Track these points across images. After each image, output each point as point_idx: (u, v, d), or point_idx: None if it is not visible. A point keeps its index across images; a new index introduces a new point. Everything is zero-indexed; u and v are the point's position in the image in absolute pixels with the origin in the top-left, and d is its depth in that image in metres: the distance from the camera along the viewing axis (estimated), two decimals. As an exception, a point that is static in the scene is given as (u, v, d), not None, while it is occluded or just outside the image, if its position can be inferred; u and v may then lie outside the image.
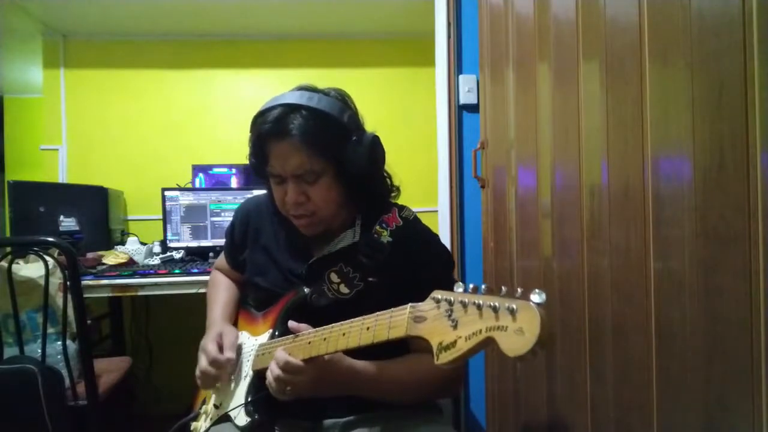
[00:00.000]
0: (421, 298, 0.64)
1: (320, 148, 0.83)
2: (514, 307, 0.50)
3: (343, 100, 0.91)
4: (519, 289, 0.52)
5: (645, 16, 0.70)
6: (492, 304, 0.52)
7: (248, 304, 1.05)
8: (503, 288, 0.54)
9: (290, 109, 0.84)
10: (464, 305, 0.55)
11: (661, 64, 0.67)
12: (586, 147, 0.87)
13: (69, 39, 2.61)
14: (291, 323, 0.81)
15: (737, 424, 0.55)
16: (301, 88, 0.89)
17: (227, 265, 1.12)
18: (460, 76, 1.63)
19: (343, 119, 0.86)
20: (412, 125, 2.60)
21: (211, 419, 0.92)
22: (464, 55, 1.65)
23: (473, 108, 1.63)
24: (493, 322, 0.51)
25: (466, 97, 1.62)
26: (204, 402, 0.99)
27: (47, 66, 2.61)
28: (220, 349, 0.92)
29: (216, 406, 0.93)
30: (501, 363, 1.37)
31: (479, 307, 0.53)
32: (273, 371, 0.77)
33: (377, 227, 0.92)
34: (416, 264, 0.90)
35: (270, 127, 0.84)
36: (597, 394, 0.85)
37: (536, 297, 0.49)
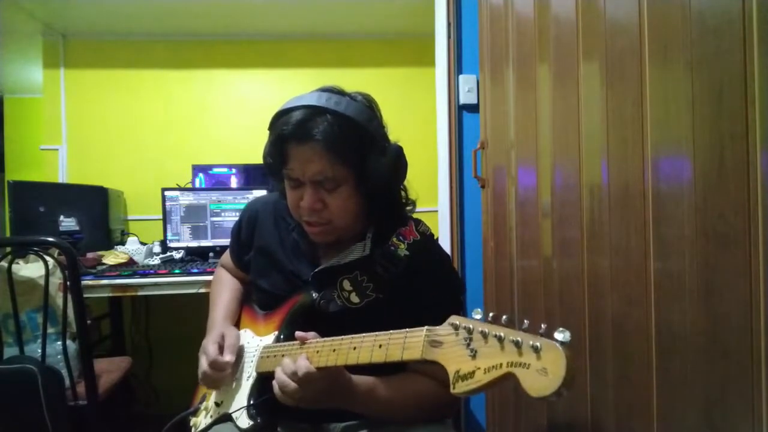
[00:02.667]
0: (431, 316, 0.63)
1: (344, 155, 0.80)
2: (539, 345, 0.48)
3: (370, 107, 0.86)
4: (543, 325, 0.50)
5: (645, 16, 0.70)
6: (514, 339, 0.50)
7: (253, 301, 1.04)
8: (525, 321, 0.52)
9: (315, 111, 0.79)
10: (484, 336, 0.54)
11: (661, 64, 0.67)
12: (586, 147, 0.87)
13: (69, 39, 2.61)
14: (298, 333, 0.79)
15: (737, 424, 0.55)
16: (326, 90, 0.85)
17: (232, 264, 1.11)
18: (460, 76, 1.63)
19: (369, 128, 0.82)
20: (411, 125, 2.60)
21: (211, 416, 0.92)
22: (464, 55, 1.65)
23: (473, 108, 1.63)
24: (515, 357, 0.50)
25: (466, 97, 1.62)
26: (204, 398, 0.99)
27: (47, 66, 2.62)
28: (221, 350, 0.91)
29: (217, 404, 0.93)
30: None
31: (500, 339, 0.52)
32: (286, 373, 0.75)
33: (394, 239, 0.90)
34: (431, 283, 0.88)
35: (293, 129, 0.79)
36: (597, 394, 0.85)
37: (560, 335, 0.47)
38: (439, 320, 0.62)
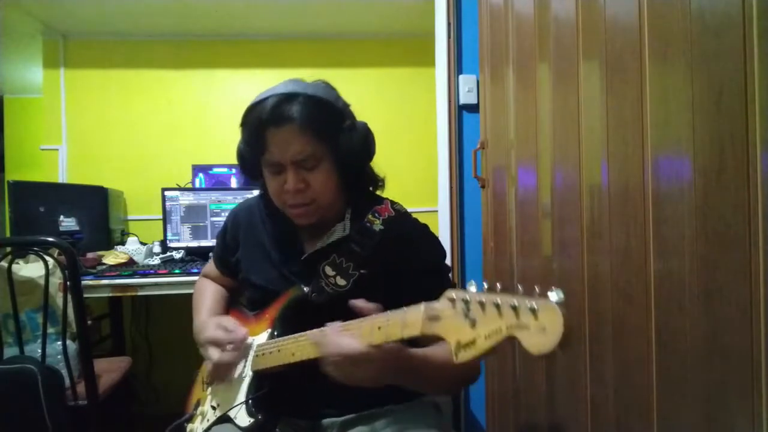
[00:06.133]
0: (418, 285, 0.64)
1: (320, 132, 0.84)
2: (535, 306, 0.49)
3: (333, 89, 0.92)
4: (536, 287, 0.52)
5: (645, 16, 0.70)
6: (512, 303, 0.52)
7: (240, 304, 1.04)
8: (519, 287, 0.53)
9: (287, 97, 0.84)
10: (482, 305, 0.55)
11: (661, 64, 0.67)
12: (586, 147, 0.87)
13: (69, 39, 2.61)
14: (358, 303, 0.75)
15: (737, 424, 0.55)
16: (289, 80, 0.91)
17: (216, 271, 1.11)
18: (460, 76, 1.63)
19: (338, 105, 0.88)
20: (412, 125, 2.60)
21: (208, 420, 0.91)
22: (464, 55, 1.65)
23: (473, 108, 1.63)
24: (513, 320, 0.51)
25: (466, 97, 1.62)
26: (198, 404, 0.99)
27: (47, 66, 2.61)
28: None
29: (213, 407, 0.93)
30: (501, 362, 1.37)
31: (498, 306, 0.53)
32: (343, 353, 0.71)
33: (369, 216, 0.92)
34: (410, 252, 0.90)
35: (270, 115, 0.83)
36: (597, 394, 0.85)
37: (554, 295, 0.49)
38: (432, 286, 0.64)
